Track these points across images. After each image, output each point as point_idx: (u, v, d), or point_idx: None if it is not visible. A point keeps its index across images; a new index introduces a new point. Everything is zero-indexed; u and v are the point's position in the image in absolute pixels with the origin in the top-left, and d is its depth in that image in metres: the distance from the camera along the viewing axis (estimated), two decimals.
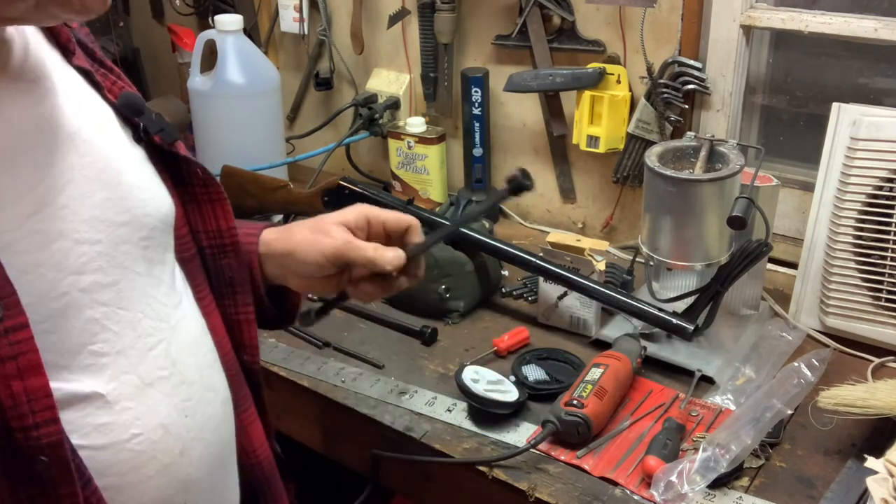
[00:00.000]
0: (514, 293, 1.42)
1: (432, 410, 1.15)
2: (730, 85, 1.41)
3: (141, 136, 0.76)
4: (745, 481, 1.01)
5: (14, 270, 0.59)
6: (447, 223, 1.35)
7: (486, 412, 1.12)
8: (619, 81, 1.48)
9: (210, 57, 1.73)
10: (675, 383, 1.19)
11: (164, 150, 0.78)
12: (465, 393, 1.11)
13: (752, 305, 1.32)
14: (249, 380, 0.86)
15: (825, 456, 1.05)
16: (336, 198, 1.41)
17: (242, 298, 0.86)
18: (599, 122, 1.50)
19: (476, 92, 1.62)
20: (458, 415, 1.14)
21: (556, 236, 1.41)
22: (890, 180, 1.17)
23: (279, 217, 1.57)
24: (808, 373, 1.10)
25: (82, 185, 0.66)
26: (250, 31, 1.91)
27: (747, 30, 1.39)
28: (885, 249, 1.18)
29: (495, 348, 1.27)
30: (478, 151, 1.67)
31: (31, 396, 0.59)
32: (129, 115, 0.75)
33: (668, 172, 1.15)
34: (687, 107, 1.45)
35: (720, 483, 0.99)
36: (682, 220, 1.17)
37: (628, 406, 1.15)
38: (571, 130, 1.57)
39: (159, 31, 2.24)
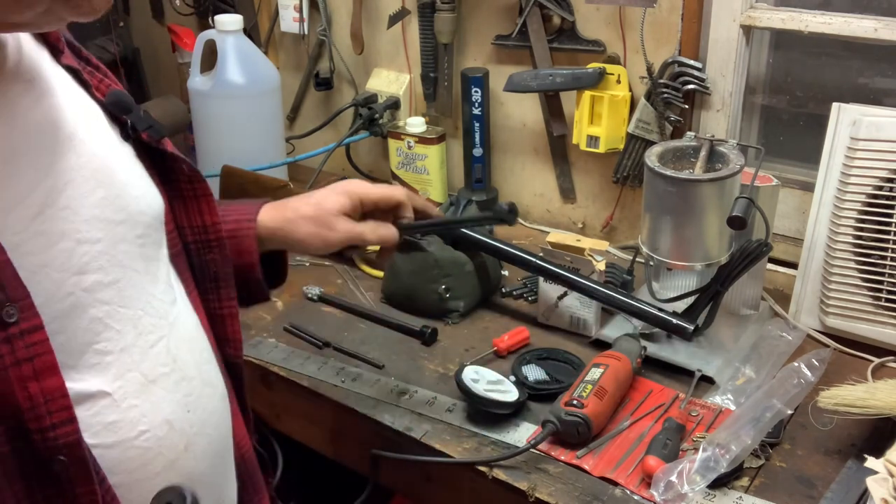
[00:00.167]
0: (514, 293, 1.42)
1: (432, 410, 1.15)
2: (730, 85, 1.41)
3: (129, 133, 0.76)
4: (745, 481, 1.01)
5: (24, 272, 0.59)
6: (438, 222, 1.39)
7: (486, 412, 1.12)
8: (619, 81, 1.48)
9: (210, 57, 1.73)
10: (675, 383, 1.19)
11: (150, 147, 0.79)
12: (465, 393, 1.11)
13: (752, 305, 1.33)
14: (232, 373, 0.87)
15: (825, 456, 1.05)
16: None
17: (226, 293, 0.87)
18: (599, 122, 1.50)
19: (476, 92, 1.62)
20: (458, 415, 1.14)
21: (556, 236, 1.41)
22: (890, 180, 1.17)
23: None
24: (808, 373, 1.10)
25: (81, 184, 0.67)
26: (250, 31, 1.91)
27: (747, 30, 1.39)
28: (885, 249, 1.18)
29: (495, 348, 1.27)
30: (478, 151, 1.67)
31: (47, 397, 0.60)
32: (118, 114, 0.75)
33: (668, 172, 1.15)
34: (687, 107, 1.45)
35: (720, 483, 0.99)
36: (682, 220, 1.17)
37: (628, 406, 1.15)
38: (571, 130, 1.57)
39: (159, 31, 2.24)
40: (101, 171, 0.69)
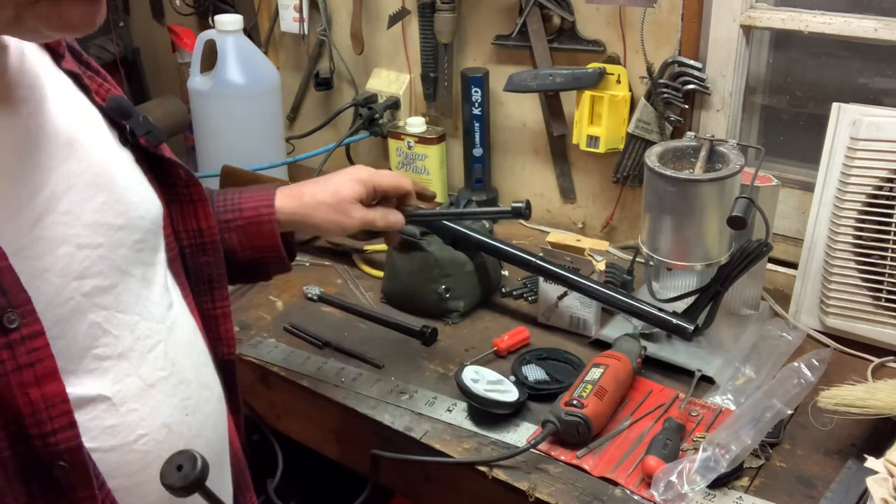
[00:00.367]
0: (514, 293, 1.42)
1: (432, 410, 1.15)
2: (730, 85, 1.41)
3: (128, 138, 0.76)
4: (745, 481, 1.01)
5: (24, 276, 0.60)
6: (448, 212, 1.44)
7: (486, 412, 1.12)
8: (619, 81, 1.48)
9: (210, 57, 1.73)
10: (675, 383, 1.19)
11: (148, 152, 0.79)
12: (465, 393, 1.11)
13: (752, 305, 1.33)
14: (225, 372, 0.87)
15: (825, 456, 1.05)
16: None
17: (220, 294, 0.88)
18: (599, 122, 1.50)
19: (476, 92, 1.62)
20: (458, 415, 1.14)
21: (556, 236, 1.41)
22: (890, 180, 1.17)
23: None
24: (808, 373, 1.10)
25: (82, 189, 0.67)
26: (250, 31, 1.91)
27: (747, 30, 1.39)
28: (885, 249, 1.18)
29: (495, 348, 1.27)
30: (478, 151, 1.67)
31: (48, 403, 0.60)
32: (118, 119, 0.76)
33: (668, 172, 1.15)
34: (687, 107, 1.45)
35: (720, 483, 0.99)
36: (682, 220, 1.17)
37: (628, 406, 1.15)
38: (571, 130, 1.57)
39: (159, 31, 2.24)
40: (101, 177, 0.69)
